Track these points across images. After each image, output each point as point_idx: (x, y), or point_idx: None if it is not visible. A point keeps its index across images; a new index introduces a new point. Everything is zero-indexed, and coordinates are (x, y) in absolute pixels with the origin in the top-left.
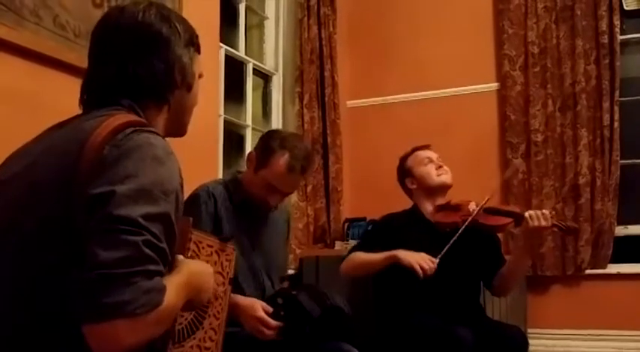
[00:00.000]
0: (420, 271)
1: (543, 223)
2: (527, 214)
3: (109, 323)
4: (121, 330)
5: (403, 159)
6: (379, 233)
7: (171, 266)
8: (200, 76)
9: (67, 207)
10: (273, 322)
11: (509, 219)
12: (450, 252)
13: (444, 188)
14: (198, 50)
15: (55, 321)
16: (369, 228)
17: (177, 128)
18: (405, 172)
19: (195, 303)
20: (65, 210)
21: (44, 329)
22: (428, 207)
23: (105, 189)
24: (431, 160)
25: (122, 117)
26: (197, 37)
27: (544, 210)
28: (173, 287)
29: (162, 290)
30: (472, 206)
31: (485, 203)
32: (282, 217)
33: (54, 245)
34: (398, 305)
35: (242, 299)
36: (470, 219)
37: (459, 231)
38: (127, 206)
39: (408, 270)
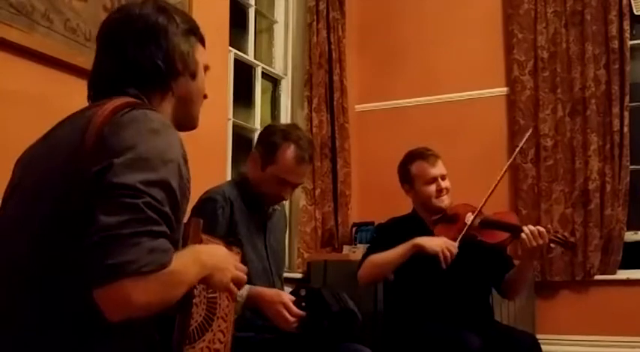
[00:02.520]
0: (443, 260)
1: (540, 242)
2: (523, 233)
3: (116, 284)
4: (129, 289)
5: (409, 161)
6: (386, 235)
7: (177, 244)
8: (206, 67)
9: (75, 190)
10: (296, 309)
11: (506, 234)
12: (456, 260)
13: (441, 211)
14: (202, 42)
15: (70, 302)
16: (375, 233)
17: (187, 119)
18: (406, 177)
19: (215, 282)
20: (75, 194)
21: (60, 311)
22: (426, 216)
23: (104, 164)
24: (435, 180)
25: (121, 100)
26: (198, 29)
27: (540, 227)
28: (182, 258)
29: (167, 250)
30: (469, 217)
31: (478, 214)
32: (282, 215)
33: (68, 230)
34: (407, 311)
35: (266, 290)
36: (464, 231)
37: (458, 240)
38: (125, 174)
39: (425, 263)
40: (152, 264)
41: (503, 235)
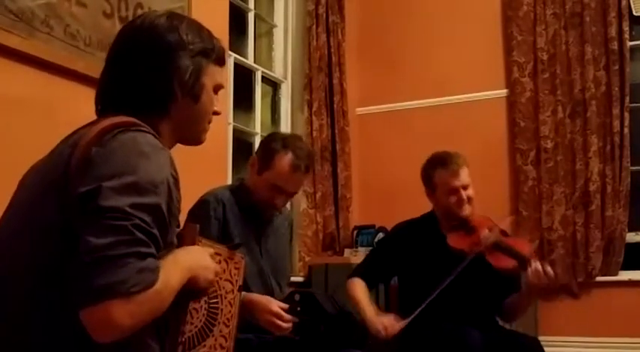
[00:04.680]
0: (376, 334)
1: (544, 281)
2: (529, 268)
3: (103, 305)
4: (116, 311)
5: (431, 167)
6: (390, 244)
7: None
8: (219, 87)
9: (62, 209)
10: (287, 315)
11: (513, 262)
12: (465, 270)
13: (461, 219)
14: (218, 62)
15: (62, 323)
16: (381, 237)
17: (189, 137)
18: (428, 182)
19: (200, 282)
20: (61, 213)
21: (55, 333)
22: (444, 220)
23: (92, 186)
24: (457, 191)
25: (110, 120)
26: (214, 49)
27: (549, 269)
28: (165, 267)
29: (155, 269)
30: (485, 233)
31: (494, 240)
32: (286, 222)
33: (58, 249)
34: (410, 312)
35: (257, 296)
36: (476, 251)
37: (463, 264)
38: (115, 197)
39: (430, 270)
40: (141, 284)
41: (511, 262)
